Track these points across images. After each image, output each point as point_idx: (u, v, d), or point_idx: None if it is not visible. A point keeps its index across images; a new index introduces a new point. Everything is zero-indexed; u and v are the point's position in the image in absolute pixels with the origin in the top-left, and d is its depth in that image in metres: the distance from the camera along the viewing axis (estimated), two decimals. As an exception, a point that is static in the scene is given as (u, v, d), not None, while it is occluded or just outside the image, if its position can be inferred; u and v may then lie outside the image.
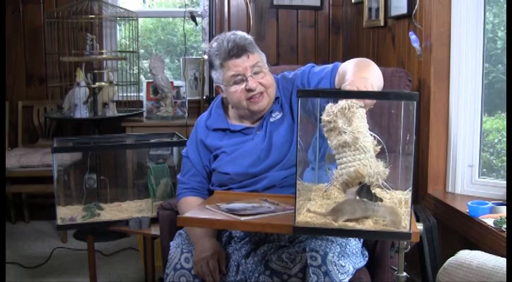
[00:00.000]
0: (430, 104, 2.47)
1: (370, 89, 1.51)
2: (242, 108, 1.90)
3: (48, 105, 3.97)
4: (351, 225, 1.31)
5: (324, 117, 1.38)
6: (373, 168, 1.33)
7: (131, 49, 3.84)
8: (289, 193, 1.77)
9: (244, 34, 1.91)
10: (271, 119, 1.92)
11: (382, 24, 3.06)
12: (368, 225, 1.30)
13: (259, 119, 1.95)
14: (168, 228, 2.10)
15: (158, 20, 4.68)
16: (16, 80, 4.05)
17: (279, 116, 1.92)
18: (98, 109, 3.63)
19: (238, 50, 1.84)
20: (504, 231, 1.92)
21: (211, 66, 1.93)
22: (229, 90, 1.88)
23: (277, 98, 1.94)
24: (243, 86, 1.86)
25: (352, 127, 1.36)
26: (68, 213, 2.49)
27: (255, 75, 1.86)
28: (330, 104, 1.39)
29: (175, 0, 4.67)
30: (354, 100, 1.38)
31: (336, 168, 1.39)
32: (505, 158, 2.30)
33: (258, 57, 1.88)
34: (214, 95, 3.41)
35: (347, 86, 1.51)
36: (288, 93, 1.94)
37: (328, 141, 1.39)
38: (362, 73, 1.62)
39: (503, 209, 2.08)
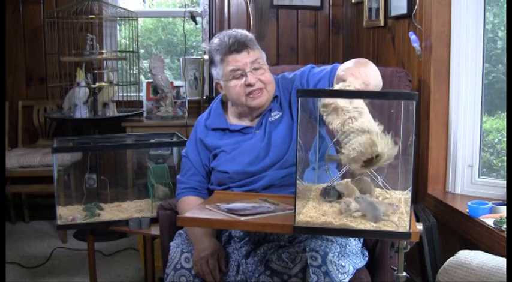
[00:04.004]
0: (430, 104, 2.47)
1: (366, 77, 1.55)
2: (241, 104, 1.91)
3: (48, 105, 3.97)
4: (351, 224, 1.31)
5: (323, 100, 1.39)
6: (384, 141, 1.31)
7: (131, 49, 3.84)
8: (288, 193, 1.77)
9: (245, 31, 1.94)
10: (270, 119, 1.93)
11: (382, 24, 3.06)
12: (368, 225, 1.30)
13: (257, 117, 1.96)
14: (168, 228, 2.10)
15: (158, 20, 4.68)
16: (16, 80, 4.05)
17: (278, 116, 1.93)
18: (98, 109, 3.63)
19: (238, 46, 1.86)
20: (504, 231, 1.92)
21: (211, 62, 1.94)
22: (229, 85, 1.89)
23: (276, 97, 1.95)
24: (242, 81, 1.87)
25: (353, 104, 1.37)
26: (68, 213, 2.49)
27: (255, 71, 1.88)
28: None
29: (175, 0, 4.67)
30: (352, 83, 1.46)
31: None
32: (505, 158, 2.30)
33: (258, 54, 1.91)
34: (214, 95, 3.41)
35: (341, 73, 1.58)
36: (288, 93, 1.94)
37: (330, 126, 1.39)
38: (360, 67, 1.66)
39: (503, 209, 2.08)
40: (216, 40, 1.92)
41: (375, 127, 1.35)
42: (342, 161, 1.36)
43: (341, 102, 1.37)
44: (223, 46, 1.88)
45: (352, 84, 1.52)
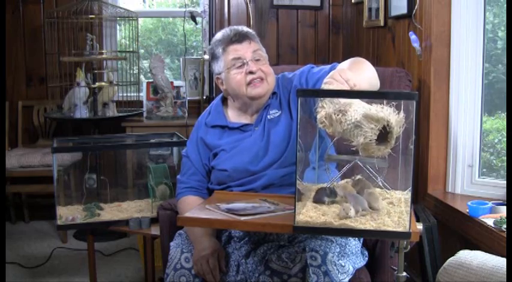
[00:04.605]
0: (430, 104, 2.47)
1: (349, 78, 1.52)
2: (241, 94, 1.92)
3: (48, 105, 3.97)
4: (351, 224, 1.31)
5: (318, 117, 1.39)
6: (383, 110, 1.30)
7: (131, 49, 3.84)
8: (287, 192, 1.78)
9: (247, 28, 1.99)
10: (269, 117, 1.93)
11: (382, 24, 3.06)
12: (368, 225, 1.30)
13: (257, 112, 1.96)
14: (168, 228, 2.10)
15: (158, 20, 4.68)
16: (16, 80, 4.05)
17: (277, 114, 1.93)
18: (98, 109, 3.63)
19: (240, 36, 1.91)
20: (504, 231, 1.92)
21: (213, 57, 1.97)
22: (230, 75, 1.91)
23: (275, 94, 1.96)
24: (243, 70, 1.89)
25: (342, 102, 1.36)
26: (68, 213, 2.49)
27: (256, 62, 1.90)
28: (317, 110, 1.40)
29: (175, 0, 4.67)
30: (337, 101, 1.41)
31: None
32: (505, 158, 2.30)
33: (258, 46, 1.95)
34: (214, 94, 3.41)
35: (325, 80, 1.55)
36: (287, 92, 1.95)
37: (337, 134, 1.38)
38: (347, 70, 1.62)
39: (503, 209, 2.08)
40: (218, 35, 1.97)
41: (369, 107, 1.34)
42: (362, 154, 1.34)
43: (330, 109, 1.38)
44: (225, 37, 1.92)
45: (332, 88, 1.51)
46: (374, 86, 1.71)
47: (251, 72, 1.88)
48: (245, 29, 1.96)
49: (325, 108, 1.38)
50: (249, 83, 1.89)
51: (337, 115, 1.36)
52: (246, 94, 1.91)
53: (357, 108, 1.34)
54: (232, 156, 1.92)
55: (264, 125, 1.93)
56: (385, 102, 1.33)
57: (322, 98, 1.42)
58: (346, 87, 1.52)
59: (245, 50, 1.90)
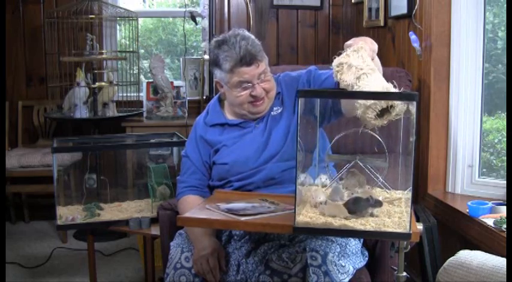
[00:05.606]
0: (430, 104, 2.47)
1: (376, 50, 1.63)
2: (243, 109, 1.93)
3: (48, 105, 3.97)
4: (351, 225, 1.31)
5: (338, 60, 1.45)
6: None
7: (131, 49, 3.84)
8: (288, 190, 1.78)
9: (253, 38, 1.90)
10: (272, 113, 1.95)
11: (382, 24, 3.06)
12: (368, 225, 1.30)
13: (256, 119, 1.97)
14: (168, 228, 2.10)
15: (158, 20, 4.68)
16: (16, 80, 4.05)
17: (279, 110, 1.95)
18: (98, 109, 3.63)
19: (249, 59, 1.84)
20: (504, 231, 1.92)
21: (216, 65, 1.90)
22: (233, 93, 1.90)
23: (277, 94, 1.96)
24: (247, 91, 1.88)
25: (366, 63, 1.44)
26: (68, 213, 2.49)
27: (261, 82, 1.89)
28: (337, 58, 1.47)
29: (175, 0, 4.67)
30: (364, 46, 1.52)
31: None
32: (505, 158, 2.30)
33: (265, 64, 1.90)
34: (214, 94, 3.40)
35: (350, 42, 1.59)
36: (293, 90, 1.95)
37: (343, 83, 1.44)
38: (360, 37, 1.69)
39: (503, 209, 2.08)
40: (224, 47, 1.86)
41: (386, 83, 1.40)
42: (358, 110, 1.36)
43: (354, 61, 1.42)
44: (234, 57, 1.83)
45: (364, 47, 1.54)
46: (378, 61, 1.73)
47: (255, 96, 1.88)
48: (253, 45, 1.85)
49: (349, 58, 1.43)
50: (250, 102, 1.90)
51: (357, 71, 1.42)
52: (246, 110, 1.92)
53: (375, 80, 1.39)
54: (233, 151, 1.93)
55: (266, 123, 1.94)
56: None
57: (349, 48, 1.50)
58: (369, 56, 1.55)
59: (253, 72, 1.85)
